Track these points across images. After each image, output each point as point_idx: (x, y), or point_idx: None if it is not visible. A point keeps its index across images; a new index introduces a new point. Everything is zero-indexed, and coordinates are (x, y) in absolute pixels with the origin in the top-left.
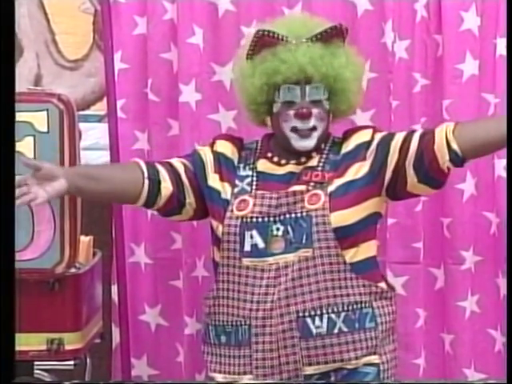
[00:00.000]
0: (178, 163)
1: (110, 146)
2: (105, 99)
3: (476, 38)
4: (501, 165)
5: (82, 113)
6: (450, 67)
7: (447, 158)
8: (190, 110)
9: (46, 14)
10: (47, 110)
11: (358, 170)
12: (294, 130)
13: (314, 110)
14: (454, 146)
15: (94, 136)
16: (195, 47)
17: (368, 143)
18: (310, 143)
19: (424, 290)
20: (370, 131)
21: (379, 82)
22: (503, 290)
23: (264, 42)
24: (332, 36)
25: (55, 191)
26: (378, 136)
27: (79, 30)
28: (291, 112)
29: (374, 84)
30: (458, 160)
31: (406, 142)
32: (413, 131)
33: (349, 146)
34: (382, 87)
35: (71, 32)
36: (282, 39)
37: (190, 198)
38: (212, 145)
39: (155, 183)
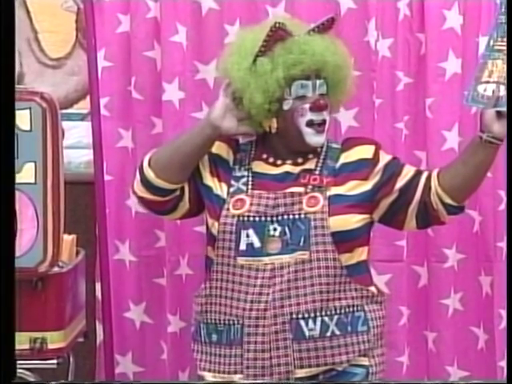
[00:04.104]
0: None
1: (94, 145)
2: (88, 97)
3: (459, 37)
4: None
5: (64, 111)
6: (432, 65)
7: (445, 213)
8: (173, 109)
9: (28, 12)
10: (30, 108)
11: (358, 186)
12: (310, 123)
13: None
14: (447, 200)
15: (76, 134)
16: (178, 45)
17: (372, 163)
18: (322, 139)
19: (407, 288)
20: (372, 148)
21: (362, 80)
22: (486, 288)
23: (279, 36)
24: (328, 28)
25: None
26: (384, 160)
27: (62, 28)
28: (306, 106)
29: (357, 82)
30: (456, 209)
31: (411, 189)
32: (418, 174)
33: (350, 157)
34: (366, 85)
35: (54, 30)
36: (291, 34)
37: (184, 200)
38: None
39: None
